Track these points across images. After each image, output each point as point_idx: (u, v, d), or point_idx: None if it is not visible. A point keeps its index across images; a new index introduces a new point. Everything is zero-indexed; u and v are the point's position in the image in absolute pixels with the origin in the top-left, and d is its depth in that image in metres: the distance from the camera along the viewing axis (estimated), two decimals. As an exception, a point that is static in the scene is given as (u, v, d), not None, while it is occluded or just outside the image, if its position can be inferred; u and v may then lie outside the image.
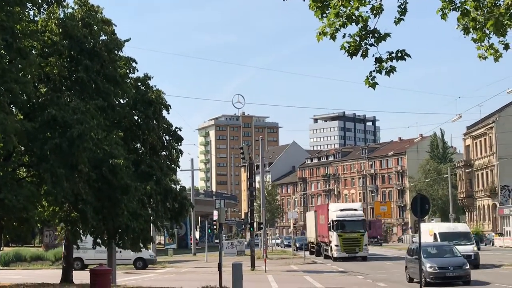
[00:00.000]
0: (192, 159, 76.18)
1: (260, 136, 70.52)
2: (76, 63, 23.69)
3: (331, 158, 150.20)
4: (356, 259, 47.40)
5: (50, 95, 21.96)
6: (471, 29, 11.51)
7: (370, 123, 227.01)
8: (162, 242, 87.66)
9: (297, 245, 71.51)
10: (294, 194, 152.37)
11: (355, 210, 50.40)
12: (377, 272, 35.03)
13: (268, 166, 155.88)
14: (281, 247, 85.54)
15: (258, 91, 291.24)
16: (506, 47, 11.62)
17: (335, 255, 46.98)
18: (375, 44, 11.46)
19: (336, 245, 46.98)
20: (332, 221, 47.96)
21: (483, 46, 11.78)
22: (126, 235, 24.44)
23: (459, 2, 11.45)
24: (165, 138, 28.85)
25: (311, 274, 35.20)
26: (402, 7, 11.37)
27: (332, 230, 47.52)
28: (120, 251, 35.09)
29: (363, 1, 11.29)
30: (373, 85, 11.77)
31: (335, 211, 49.10)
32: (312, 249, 58.60)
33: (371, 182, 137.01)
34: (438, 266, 26.46)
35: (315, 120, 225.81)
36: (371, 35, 11.43)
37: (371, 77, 11.73)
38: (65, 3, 23.82)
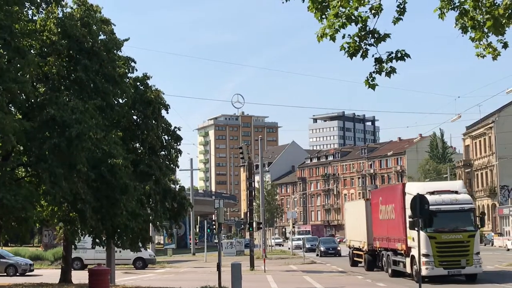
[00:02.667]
0: (191, 159, 76.33)
1: (260, 136, 70.53)
2: (75, 62, 23.65)
3: (330, 158, 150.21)
4: (460, 278, 28.92)
5: (48, 95, 21.92)
6: (469, 28, 11.49)
7: (369, 123, 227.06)
8: (161, 242, 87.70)
9: (308, 245, 63.43)
10: (294, 194, 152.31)
11: (456, 193, 28.86)
12: (376, 272, 34.99)
13: (267, 166, 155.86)
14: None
15: (257, 91, 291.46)
16: (505, 45, 11.61)
17: (425, 272, 26.50)
18: (374, 44, 11.44)
19: (426, 255, 26.92)
20: None
21: (481, 44, 11.77)
22: (125, 235, 24.43)
23: (458, 2, 11.43)
24: (164, 137, 28.81)
25: (311, 274, 35.17)
26: (401, 6, 11.35)
27: (415, 228, 24.51)
28: (120, 251, 35.07)
29: (362, 1, 11.27)
30: (373, 86, 11.75)
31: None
32: (356, 258, 39.85)
33: (370, 182, 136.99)
34: None
35: (315, 120, 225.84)
36: (370, 35, 11.41)
37: (371, 78, 11.72)
38: (64, 3, 23.79)
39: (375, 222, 34.60)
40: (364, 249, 36.71)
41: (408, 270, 28.70)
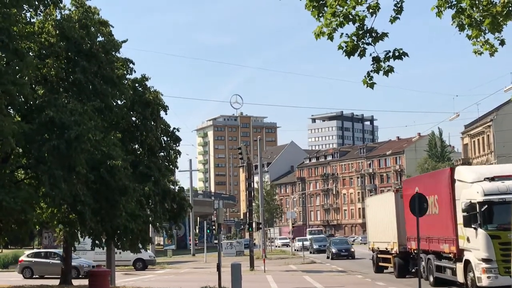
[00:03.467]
0: (190, 160, 76.43)
1: (259, 136, 70.58)
2: (73, 64, 23.66)
3: (329, 158, 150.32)
4: None
5: (47, 97, 21.92)
6: (466, 26, 11.53)
7: (368, 123, 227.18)
8: (161, 243, 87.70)
9: (315, 246, 64.25)
10: (293, 194, 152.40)
11: None
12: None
13: (266, 166, 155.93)
14: (311, 252, 65.06)
15: (256, 91, 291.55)
16: (502, 43, 11.67)
17: (486, 282, 20.68)
18: (372, 43, 11.47)
19: (488, 260, 20.76)
20: (475, 204, 21.17)
21: (478, 41, 11.81)
22: (124, 236, 24.43)
23: (455, 0, 11.46)
24: (163, 139, 28.81)
25: (310, 274, 35.20)
26: (398, 6, 11.39)
27: (472, 225, 21.07)
28: (120, 252, 35.09)
29: (359, 0, 11.30)
30: (371, 85, 11.79)
31: (477, 182, 21.82)
32: (382, 263, 33.68)
33: (369, 182, 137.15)
34: None
35: (313, 120, 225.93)
36: (368, 34, 11.44)
37: (369, 77, 11.75)
38: (62, 5, 23.77)
39: (409, 218, 26.93)
40: (393, 252, 30.93)
41: (460, 278, 22.63)
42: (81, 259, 40.51)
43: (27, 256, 40.54)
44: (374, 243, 34.82)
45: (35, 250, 36.69)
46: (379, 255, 33.99)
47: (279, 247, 78.67)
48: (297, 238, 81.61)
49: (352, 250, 52.70)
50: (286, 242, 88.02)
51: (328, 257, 52.87)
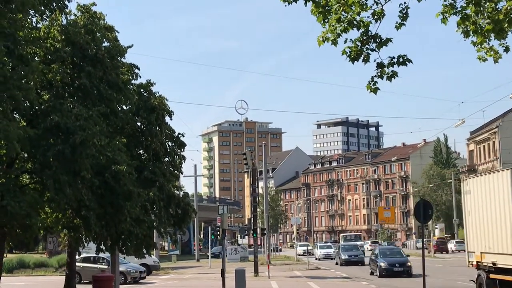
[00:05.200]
0: (195, 165, 76.31)
1: (263, 142, 70.54)
2: (79, 69, 23.71)
3: (334, 164, 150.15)
4: None
5: (52, 102, 21.95)
6: (471, 32, 11.54)
7: (373, 129, 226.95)
8: (166, 248, 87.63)
9: (344, 256, 49.53)
10: (298, 200, 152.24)
11: None
12: (383, 279, 34.91)
13: (271, 172, 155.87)
14: (338, 263, 50.38)
15: (261, 97, 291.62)
16: (507, 49, 11.67)
17: None
18: (376, 49, 11.49)
19: None
20: None
21: (483, 48, 11.81)
22: (129, 241, 24.42)
23: (460, 7, 11.47)
24: (168, 144, 28.84)
25: (315, 280, 35.12)
26: (404, 12, 11.39)
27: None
28: (124, 257, 35.06)
29: (364, 6, 11.31)
30: (375, 90, 11.80)
31: None
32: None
33: (374, 188, 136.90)
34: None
35: (318, 126, 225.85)
36: (372, 40, 11.45)
37: (372, 82, 11.76)
38: (67, 10, 23.82)
39: None
40: None
41: None
42: (130, 264, 38.49)
43: (76, 261, 38.88)
44: (485, 254, 21.26)
45: (83, 255, 35.33)
46: (490, 275, 20.88)
47: (300, 255, 64.54)
48: (319, 244, 74.49)
49: (409, 264, 36.92)
50: (330, 254, 65.46)
51: (373, 273, 38.09)
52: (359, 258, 49.04)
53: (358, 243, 73.81)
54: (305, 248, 65.44)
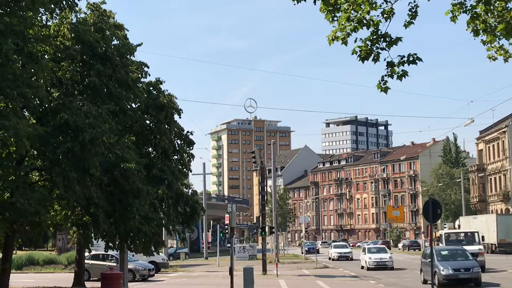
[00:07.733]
0: (204, 163, 76.31)
1: (272, 140, 70.47)
2: (88, 67, 23.80)
3: (343, 162, 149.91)
4: None
5: (62, 100, 22.05)
6: (481, 31, 11.50)
7: (382, 127, 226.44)
8: (174, 246, 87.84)
9: (375, 259, 41.63)
10: (306, 198, 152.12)
11: None
12: (389, 277, 34.86)
13: (280, 170, 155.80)
14: (364, 267, 42.44)
15: (270, 96, 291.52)
16: (516, 49, 11.63)
17: None
18: (386, 48, 11.46)
19: None
20: None
21: (493, 47, 11.77)
22: (137, 238, 24.50)
23: (470, 6, 11.43)
24: (176, 142, 28.90)
25: (323, 279, 35.08)
26: (413, 11, 11.37)
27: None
28: (133, 255, 35.13)
29: (374, 5, 11.29)
30: (385, 90, 11.77)
31: None
32: None
33: (383, 187, 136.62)
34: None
35: (327, 124, 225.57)
36: (382, 39, 11.42)
37: (383, 81, 11.74)
38: (77, 8, 23.91)
39: None
40: None
41: None
42: (139, 261, 38.34)
43: (85, 258, 38.77)
44: None
45: (93, 253, 35.29)
46: None
47: (335, 260, 56.61)
48: (333, 244, 66.99)
49: (478, 270, 28.32)
50: (346, 254, 58.10)
51: (426, 281, 29.10)
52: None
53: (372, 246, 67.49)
54: (341, 250, 56.32)
